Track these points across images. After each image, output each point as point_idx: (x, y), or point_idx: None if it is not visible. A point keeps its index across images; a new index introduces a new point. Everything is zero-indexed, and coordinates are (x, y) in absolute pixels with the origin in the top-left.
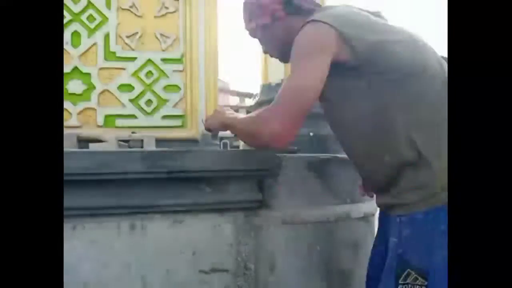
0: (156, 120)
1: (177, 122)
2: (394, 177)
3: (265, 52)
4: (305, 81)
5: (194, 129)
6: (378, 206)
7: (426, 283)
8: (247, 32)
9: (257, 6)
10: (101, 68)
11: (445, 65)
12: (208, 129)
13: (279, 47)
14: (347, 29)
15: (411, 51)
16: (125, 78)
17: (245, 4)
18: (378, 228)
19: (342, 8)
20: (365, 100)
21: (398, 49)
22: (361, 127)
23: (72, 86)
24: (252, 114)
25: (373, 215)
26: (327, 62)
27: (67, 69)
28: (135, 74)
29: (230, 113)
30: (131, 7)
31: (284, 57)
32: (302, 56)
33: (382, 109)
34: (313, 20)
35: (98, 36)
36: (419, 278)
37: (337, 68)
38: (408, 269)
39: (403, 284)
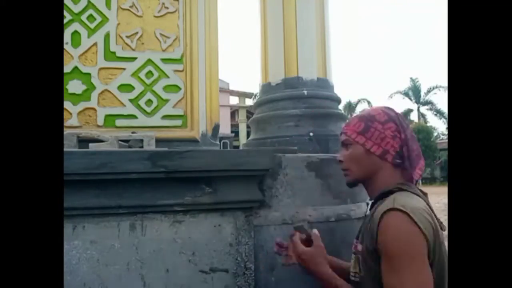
0: (156, 120)
1: (177, 122)
2: None
3: (340, 160)
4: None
5: (194, 129)
6: None
7: None
8: (343, 130)
9: (380, 133)
10: (101, 68)
11: None
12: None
13: (359, 172)
14: (429, 235)
15: None
16: (125, 78)
17: (369, 118)
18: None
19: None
20: None
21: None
22: None
23: (72, 86)
24: None
25: None
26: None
27: (67, 69)
28: (135, 74)
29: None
30: (131, 7)
31: (351, 182)
32: (411, 259)
33: None
34: (400, 210)
35: (98, 36)
36: None
37: None
38: None
39: None
